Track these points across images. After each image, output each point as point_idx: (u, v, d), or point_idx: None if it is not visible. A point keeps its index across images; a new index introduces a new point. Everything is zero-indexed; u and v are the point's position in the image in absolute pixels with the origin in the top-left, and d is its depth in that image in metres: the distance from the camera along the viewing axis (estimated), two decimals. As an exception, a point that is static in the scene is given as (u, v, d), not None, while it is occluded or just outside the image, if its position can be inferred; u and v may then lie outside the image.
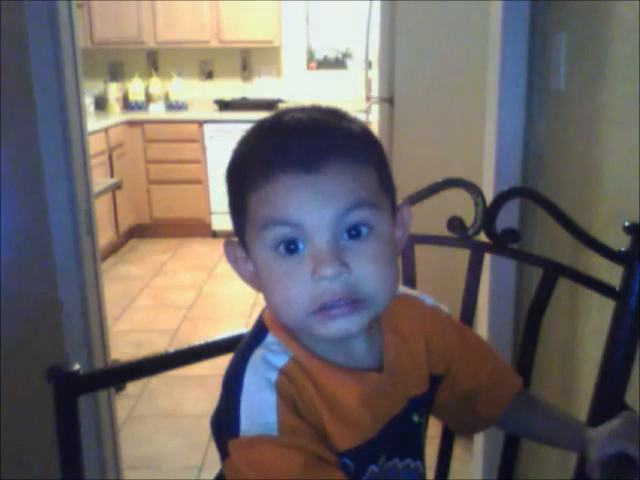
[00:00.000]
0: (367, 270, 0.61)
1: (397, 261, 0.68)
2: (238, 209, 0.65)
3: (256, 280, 0.67)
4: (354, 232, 0.61)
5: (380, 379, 0.70)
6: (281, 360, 0.66)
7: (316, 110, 0.65)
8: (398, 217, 0.69)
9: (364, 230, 0.62)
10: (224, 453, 0.64)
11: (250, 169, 0.62)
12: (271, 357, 0.66)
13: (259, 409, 0.62)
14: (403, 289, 0.82)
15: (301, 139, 0.61)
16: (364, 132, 0.66)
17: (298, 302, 0.62)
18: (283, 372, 0.65)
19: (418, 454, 0.77)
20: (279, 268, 0.62)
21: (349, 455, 0.67)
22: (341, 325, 0.62)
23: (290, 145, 0.60)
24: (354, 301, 0.61)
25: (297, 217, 0.60)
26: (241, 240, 0.67)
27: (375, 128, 2.74)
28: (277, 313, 0.66)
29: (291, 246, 0.61)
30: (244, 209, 0.63)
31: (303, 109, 0.66)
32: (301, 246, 0.61)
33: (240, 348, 0.70)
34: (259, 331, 0.70)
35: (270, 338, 0.68)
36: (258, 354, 0.67)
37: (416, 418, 0.75)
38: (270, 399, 0.62)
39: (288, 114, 0.64)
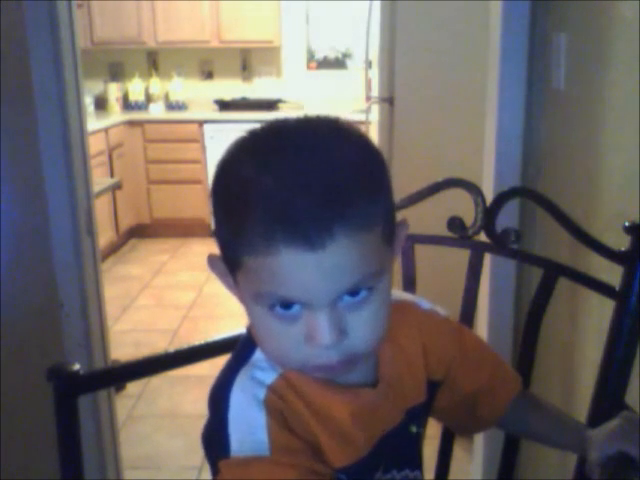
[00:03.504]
0: (364, 332, 0.59)
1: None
2: (229, 252, 0.60)
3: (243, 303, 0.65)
4: (354, 293, 0.58)
5: (374, 395, 0.68)
6: (270, 377, 0.64)
7: (318, 137, 0.58)
8: (395, 237, 0.64)
9: (364, 292, 0.58)
10: (215, 470, 0.63)
11: (247, 227, 0.56)
12: (259, 374, 0.64)
13: (249, 428, 0.61)
14: (398, 294, 0.78)
15: (307, 206, 0.54)
16: (372, 168, 0.59)
17: (292, 360, 0.61)
18: (272, 389, 0.63)
19: (416, 463, 0.76)
20: (273, 325, 0.59)
21: (344, 472, 0.65)
22: (333, 375, 0.63)
23: (294, 215, 0.54)
24: (348, 361, 0.60)
25: (297, 294, 0.57)
26: (227, 264, 0.62)
27: (375, 128, 2.75)
28: (269, 358, 0.64)
29: (287, 304, 0.58)
30: (237, 260, 0.59)
31: (303, 133, 0.59)
32: (297, 307, 0.58)
33: (226, 366, 0.68)
34: (246, 348, 0.67)
35: (258, 355, 0.66)
36: (245, 372, 0.65)
37: (414, 429, 0.74)
38: (260, 418, 0.61)
39: (289, 145, 0.57)
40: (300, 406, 0.64)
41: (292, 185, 0.55)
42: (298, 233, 0.54)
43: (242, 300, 0.63)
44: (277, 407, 0.62)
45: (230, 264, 0.61)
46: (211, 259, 0.65)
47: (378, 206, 0.58)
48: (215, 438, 0.63)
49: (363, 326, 0.59)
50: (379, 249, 0.59)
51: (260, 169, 0.56)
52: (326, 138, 0.59)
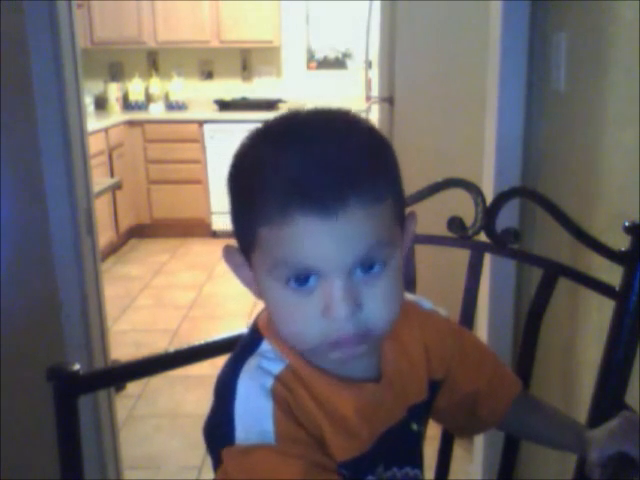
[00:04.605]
0: (379, 307, 0.60)
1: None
2: (244, 229, 0.62)
3: (256, 286, 0.66)
4: (367, 267, 0.59)
5: (378, 390, 0.69)
6: (277, 367, 0.64)
7: (328, 125, 0.61)
8: (404, 227, 0.66)
9: (377, 267, 0.60)
10: (217, 461, 0.63)
11: (262, 201, 0.58)
12: (266, 364, 0.65)
13: (255, 417, 0.61)
14: None
15: (321, 178, 0.56)
16: (381, 150, 0.62)
17: (307, 335, 0.61)
18: (279, 379, 0.63)
19: (417, 461, 0.76)
20: (289, 301, 0.60)
21: (345, 466, 0.66)
22: (348, 354, 0.62)
23: (309, 185, 0.56)
24: (363, 336, 0.61)
25: (314, 261, 0.58)
26: (242, 250, 0.65)
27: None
28: (285, 337, 0.64)
29: (302, 278, 0.59)
30: (252, 235, 0.60)
31: (314, 124, 0.61)
32: (312, 280, 0.59)
33: (233, 355, 0.69)
34: (253, 338, 0.68)
35: (265, 346, 0.67)
36: (253, 361, 0.65)
37: (415, 427, 0.74)
38: (266, 406, 0.61)
39: (300, 131, 0.60)
40: (306, 398, 0.64)
41: (306, 162, 0.57)
42: (313, 201, 0.56)
43: (256, 289, 0.65)
44: (284, 397, 0.62)
45: (246, 243, 0.62)
46: (227, 249, 0.66)
47: (388, 183, 0.61)
48: (220, 427, 0.63)
49: (378, 301, 0.60)
50: (390, 224, 0.61)
51: (275, 151, 0.59)
52: (338, 124, 0.61)
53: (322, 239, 0.57)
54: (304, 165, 0.57)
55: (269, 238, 0.58)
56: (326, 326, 0.59)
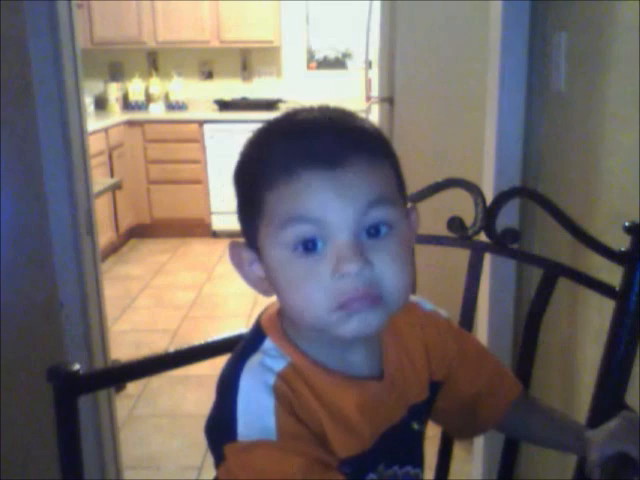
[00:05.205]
0: (388, 268, 0.60)
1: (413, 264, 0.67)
2: (250, 209, 0.63)
3: (262, 284, 0.66)
4: (373, 231, 0.61)
5: (379, 388, 0.69)
6: (279, 365, 0.65)
7: (327, 109, 0.65)
8: (408, 216, 0.68)
9: (383, 229, 0.61)
10: (219, 458, 0.63)
11: (267, 167, 0.61)
12: (269, 361, 0.65)
13: (257, 413, 0.62)
14: None
15: (321, 136, 0.60)
16: (378, 131, 0.66)
17: (319, 301, 0.60)
18: (281, 376, 0.64)
19: (418, 461, 0.77)
20: (297, 268, 0.61)
21: (347, 464, 0.66)
22: (361, 322, 0.60)
23: (311, 142, 0.60)
24: (375, 297, 0.60)
25: (319, 214, 0.59)
26: (249, 242, 0.66)
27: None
28: (295, 314, 0.64)
29: (309, 245, 0.60)
30: (258, 209, 0.62)
31: (313, 109, 0.65)
32: (320, 245, 0.60)
33: (236, 353, 0.69)
34: (256, 337, 0.69)
35: (268, 344, 0.67)
36: (255, 359, 0.66)
37: (416, 426, 0.75)
38: (268, 403, 0.61)
39: (300, 114, 0.64)
40: (308, 395, 0.64)
41: (305, 126, 0.62)
42: (315, 155, 0.59)
43: (260, 285, 0.66)
44: (285, 394, 0.63)
45: (251, 223, 0.64)
46: (233, 245, 0.67)
47: (385, 151, 0.64)
48: (222, 424, 0.64)
49: (386, 261, 0.61)
50: (390, 183, 0.63)
51: (277, 136, 0.63)
52: (337, 115, 0.64)
53: (325, 189, 0.59)
54: (307, 133, 0.61)
55: (275, 201, 0.60)
56: (337, 287, 0.59)
